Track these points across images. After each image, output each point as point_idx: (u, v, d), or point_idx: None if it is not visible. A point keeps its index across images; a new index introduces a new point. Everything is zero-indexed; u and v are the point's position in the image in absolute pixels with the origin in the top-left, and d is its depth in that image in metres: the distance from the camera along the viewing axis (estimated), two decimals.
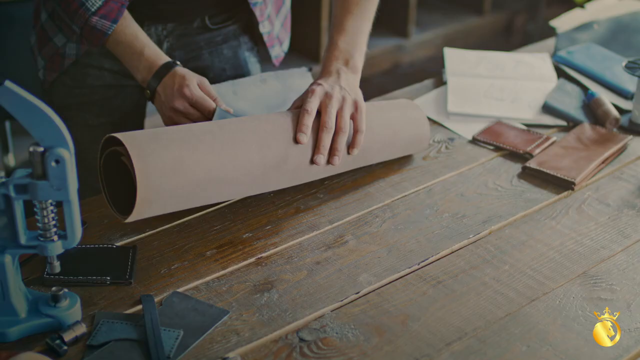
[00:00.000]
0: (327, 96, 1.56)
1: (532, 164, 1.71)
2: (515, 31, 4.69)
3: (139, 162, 1.36)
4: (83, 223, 1.48)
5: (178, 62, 1.63)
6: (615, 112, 1.86)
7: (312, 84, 1.60)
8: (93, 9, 1.61)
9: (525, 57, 2.15)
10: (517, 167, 1.73)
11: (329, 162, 1.55)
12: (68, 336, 1.25)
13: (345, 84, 1.60)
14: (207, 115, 1.58)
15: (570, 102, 1.94)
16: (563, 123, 1.89)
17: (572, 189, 1.66)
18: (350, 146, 1.58)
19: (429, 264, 1.46)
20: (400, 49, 4.19)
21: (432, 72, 2.12)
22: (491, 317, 1.34)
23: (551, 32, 2.36)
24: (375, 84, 3.91)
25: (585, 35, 2.26)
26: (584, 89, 1.99)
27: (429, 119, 1.88)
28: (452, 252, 1.49)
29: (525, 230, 1.55)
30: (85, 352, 1.24)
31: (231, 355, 1.23)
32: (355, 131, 1.58)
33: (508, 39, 4.64)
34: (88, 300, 1.34)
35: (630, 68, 1.86)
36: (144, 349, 1.24)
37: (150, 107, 2.03)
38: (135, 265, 1.42)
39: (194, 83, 1.59)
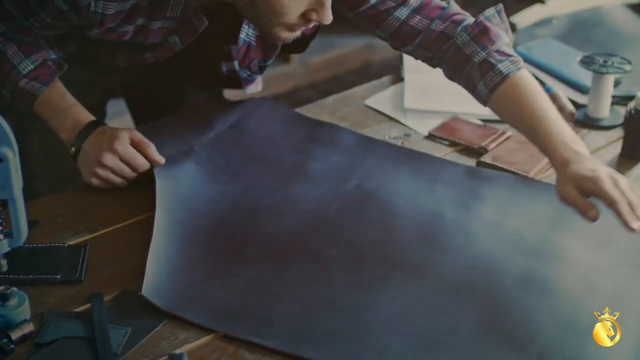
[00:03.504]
0: (613, 179, 1.38)
1: (486, 158, 1.73)
2: None
3: None
4: (35, 222, 1.49)
5: (105, 123, 1.63)
6: (570, 107, 1.88)
7: (582, 171, 1.40)
8: (24, 72, 1.59)
9: None
10: (472, 162, 1.74)
11: None
12: (15, 335, 1.25)
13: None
14: (139, 171, 1.58)
15: None
16: None
17: None
18: None
19: None
20: (371, 47, 4.19)
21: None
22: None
23: (512, 28, 2.37)
24: (346, 82, 3.92)
25: (545, 30, 2.27)
26: (541, 83, 2.00)
27: (385, 115, 1.90)
28: None
29: None
30: (33, 350, 1.24)
31: (178, 352, 1.23)
32: None
33: None
34: (38, 299, 1.34)
35: (586, 63, 1.88)
36: (92, 346, 1.25)
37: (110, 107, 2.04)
38: (87, 263, 1.42)
39: (126, 139, 1.57)
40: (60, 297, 1.35)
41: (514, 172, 1.68)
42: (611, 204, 1.35)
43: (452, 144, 1.79)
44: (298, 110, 1.89)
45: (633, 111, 1.74)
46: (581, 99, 1.96)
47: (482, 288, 1.39)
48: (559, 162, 1.44)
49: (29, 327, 1.26)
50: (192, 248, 1.46)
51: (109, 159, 1.56)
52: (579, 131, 1.82)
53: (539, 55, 2.10)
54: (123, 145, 1.57)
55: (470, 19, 1.64)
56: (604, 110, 1.88)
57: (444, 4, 1.66)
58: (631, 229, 1.33)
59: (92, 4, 1.44)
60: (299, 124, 1.82)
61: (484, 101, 1.61)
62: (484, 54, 1.59)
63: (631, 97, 1.82)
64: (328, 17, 1.43)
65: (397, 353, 1.27)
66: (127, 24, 1.52)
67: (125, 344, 1.25)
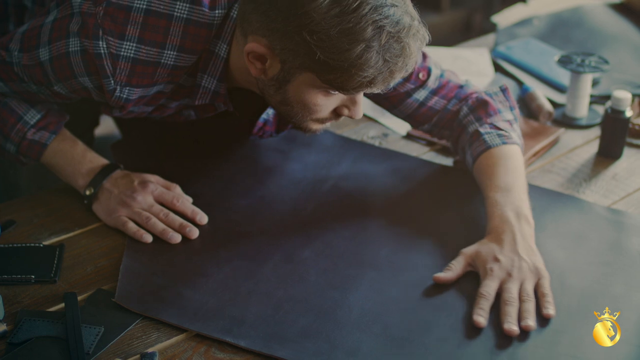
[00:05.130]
0: (508, 275, 1.38)
1: None
2: (475, 28, 4.71)
3: None
4: (12, 222, 1.50)
5: (121, 166, 1.59)
6: (548, 106, 1.89)
7: (488, 258, 1.41)
8: (32, 122, 1.54)
9: (463, 52, 2.17)
10: (449, 162, 1.74)
11: (522, 328, 1.32)
12: None
13: (523, 248, 1.42)
14: (175, 205, 1.53)
15: None
16: None
17: None
18: (541, 309, 1.35)
19: None
20: None
21: None
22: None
23: (493, 27, 2.38)
24: None
25: (525, 30, 2.28)
26: (519, 83, 2.02)
27: (364, 115, 1.90)
28: None
29: None
30: (6, 349, 1.25)
31: (149, 351, 1.24)
32: (541, 296, 1.37)
33: (467, 36, 4.65)
34: (12, 299, 1.35)
35: (563, 62, 1.88)
36: (64, 345, 1.25)
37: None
38: (62, 263, 1.43)
39: (154, 177, 1.56)
40: (34, 296, 1.36)
41: None
42: (478, 294, 1.36)
43: (430, 143, 1.80)
44: None
45: (609, 110, 1.75)
46: (560, 98, 1.96)
47: (455, 287, 1.40)
48: (488, 230, 1.46)
49: (2, 327, 1.27)
50: (166, 248, 1.47)
51: (143, 197, 1.52)
52: (557, 130, 1.82)
53: (518, 54, 2.11)
54: (155, 185, 1.54)
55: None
56: (582, 109, 1.89)
57: (462, 81, 1.67)
58: (475, 321, 1.32)
59: (118, 89, 1.44)
60: None
61: (470, 169, 1.62)
62: (477, 124, 1.61)
63: (609, 97, 1.83)
64: (359, 113, 1.45)
65: (369, 352, 1.27)
66: (149, 105, 1.52)
67: (97, 343, 1.26)
